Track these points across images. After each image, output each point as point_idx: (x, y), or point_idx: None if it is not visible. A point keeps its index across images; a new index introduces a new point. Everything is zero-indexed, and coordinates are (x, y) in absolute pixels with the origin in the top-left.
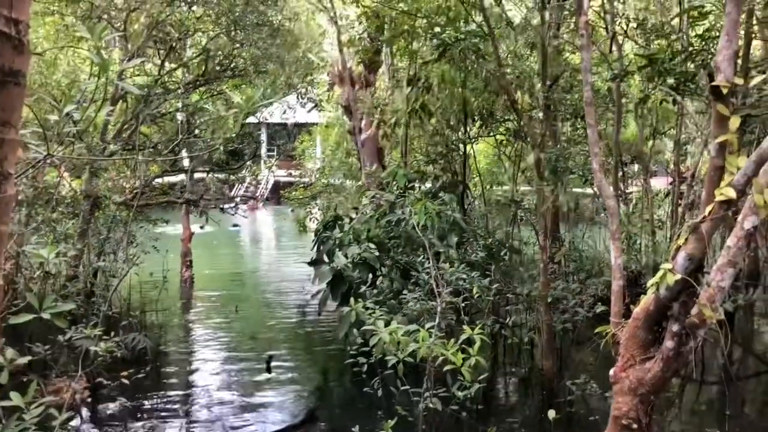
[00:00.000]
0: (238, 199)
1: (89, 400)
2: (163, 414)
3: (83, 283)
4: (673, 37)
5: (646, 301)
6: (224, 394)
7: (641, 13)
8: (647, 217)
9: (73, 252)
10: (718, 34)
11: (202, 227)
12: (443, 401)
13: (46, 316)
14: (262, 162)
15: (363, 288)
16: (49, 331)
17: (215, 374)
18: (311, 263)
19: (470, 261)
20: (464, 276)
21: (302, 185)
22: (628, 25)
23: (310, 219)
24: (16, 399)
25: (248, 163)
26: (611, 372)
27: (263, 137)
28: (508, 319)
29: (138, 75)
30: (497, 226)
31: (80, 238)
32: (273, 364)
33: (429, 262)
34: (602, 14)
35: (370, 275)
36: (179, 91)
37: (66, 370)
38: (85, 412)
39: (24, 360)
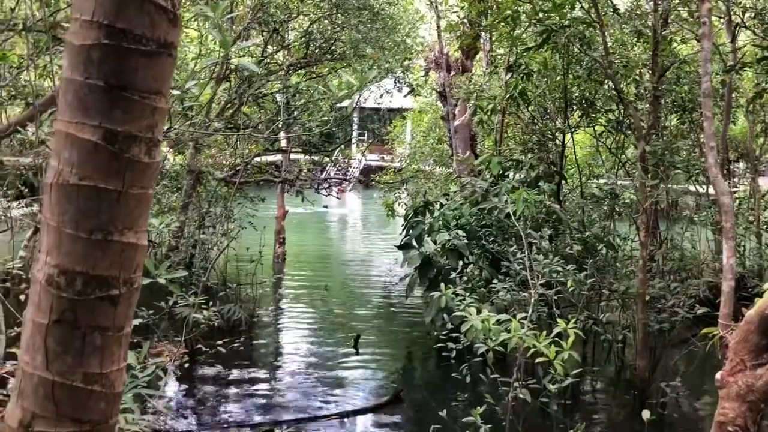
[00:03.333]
0: (331, 181)
1: (187, 365)
2: (253, 383)
3: (184, 254)
4: None
5: (762, 304)
6: (312, 369)
7: (760, 2)
8: (752, 218)
9: (177, 224)
10: None
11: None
12: (531, 393)
13: (161, 281)
14: (353, 145)
15: (452, 274)
16: (152, 297)
17: (304, 349)
18: (400, 247)
19: (564, 254)
20: (558, 269)
21: (392, 170)
22: (744, 14)
23: (399, 204)
24: (131, 358)
25: (341, 146)
26: (717, 376)
27: (355, 121)
28: (601, 316)
29: (242, 56)
30: (592, 219)
31: (182, 211)
32: (360, 342)
33: (522, 252)
34: (718, 2)
35: (459, 262)
36: (281, 72)
37: (166, 335)
38: (183, 376)
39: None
